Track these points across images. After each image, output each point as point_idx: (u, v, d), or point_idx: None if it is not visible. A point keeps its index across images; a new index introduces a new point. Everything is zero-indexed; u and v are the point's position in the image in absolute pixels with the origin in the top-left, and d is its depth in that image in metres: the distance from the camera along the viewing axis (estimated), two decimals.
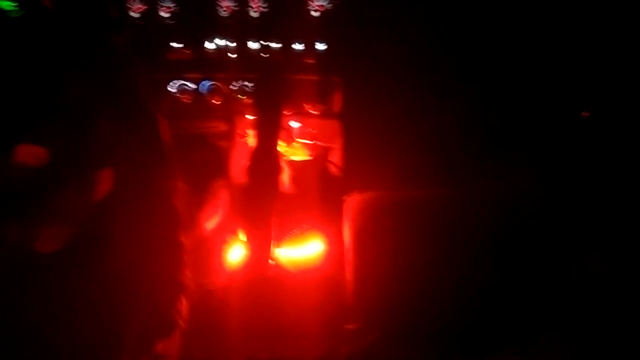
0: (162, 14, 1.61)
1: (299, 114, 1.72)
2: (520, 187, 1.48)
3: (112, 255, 1.21)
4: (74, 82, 1.17)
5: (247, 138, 1.82)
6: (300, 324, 1.68)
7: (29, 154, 1.16)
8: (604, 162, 1.42)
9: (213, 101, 1.69)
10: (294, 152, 1.81)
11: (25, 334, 1.12)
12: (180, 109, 1.74)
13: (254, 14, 1.57)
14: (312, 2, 1.52)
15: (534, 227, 1.39)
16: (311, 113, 1.67)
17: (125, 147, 1.25)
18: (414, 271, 1.36)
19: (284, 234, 1.74)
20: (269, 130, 1.56)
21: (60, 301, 1.19)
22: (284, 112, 1.65)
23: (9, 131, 1.12)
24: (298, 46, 1.58)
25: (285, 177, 1.67)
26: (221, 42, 1.62)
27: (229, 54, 1.63)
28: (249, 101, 1.67)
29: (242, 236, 1.74)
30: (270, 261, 1.67)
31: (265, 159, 1.56)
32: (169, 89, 1.71)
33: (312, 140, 1.80)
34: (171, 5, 1.60)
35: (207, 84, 1.69)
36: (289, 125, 1.79)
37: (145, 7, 1.61)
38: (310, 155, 1.80)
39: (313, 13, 1.54)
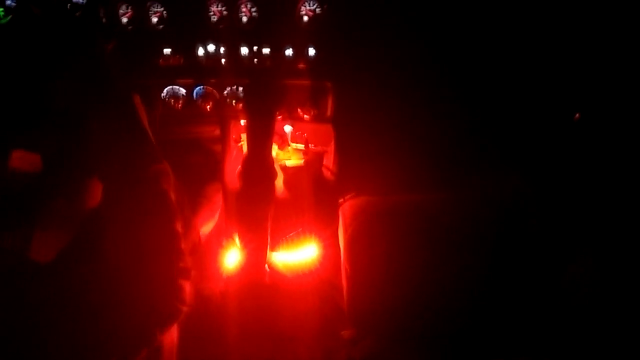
0: (153, 19, 1.60)
1: (292, 119, 1.72)
2: (513, 190, 1.49)
3: (108, 250, 1.21)
4: (62, 88, 1.16)
5: (240, 143, 1.82)
6: (297, 328, 1.68)
7: (23, 160, 1.16)
8: (597, 164, 1.42)
9: (205, 106, 1.69)
10: (287, 156, 1.81)
11: (23, 338, 1.13)
12: (172, 114, 1.75)
13: (244, 20, 1.56)
14: (303, 7, 1.51)
15: (528, 230, 1.39)
16: (304, 118, 1.66)
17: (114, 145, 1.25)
18: (408, 274, 1.36)
19: (279, 239, 1.74)
20: (262, 135, 1.55)
21: (56, 302, 1.19)
22: (277, 116, 1.64)
23: (1, 137, 1.12)
24: (289, 51, 1.57)
25: (280, 181, 1.67)
26: (212, 48, 1.61)
27: (221, 60, 1.62)
28: (241, 106, 1.66)
29: (237, 241, 1.74)
30: (265, 266, 1.68)
31: (259, 164, 1.55)
32: (161, 94, 1.71)
33: (305, 145, 1.80)
34: (161, 11, 1.59)
35: (199, 89, 1.69)
36: (283, 130, 1.79)
37: (135, 13, 1.60)
38: (304, 160, 1.80)
39: (303, 18, 1.53)
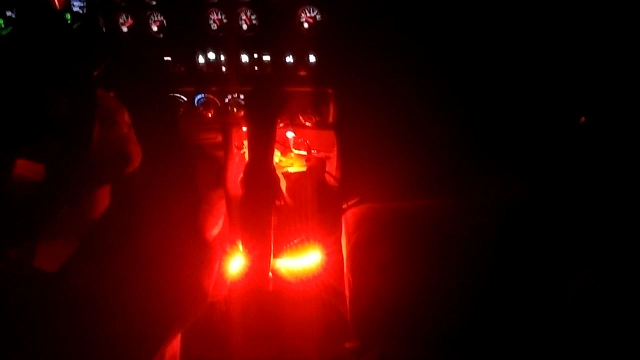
0: (153, 28, 1.59)
1: (294, 126, 1.71)
2: (518, 197, 1.48)
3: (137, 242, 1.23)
4: (63, 98, 1.17)
5: (243, 150, 1.82)
6: (300, 335, 1.69)
7: (27, 169, 1.17)
8: (604, 171, 1.40)
9: (207, 114, 1.69)
10: (290, 163, 1.81)
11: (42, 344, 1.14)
12: (175, 122, 1.75)
13: (244, 27, 1.55)
14: (303, 14, 1.50)
15: (533, 238, 1.38)
16: (306, 124, 1.66)
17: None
18: (413, 283, 1.36)
19: (283, 245, 1.74)
20: (264, 142, 1.55)
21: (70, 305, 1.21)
22: (278, 124, 1.64)
23: (5, 147, 1.13)
24: (289, 58, 1.55)
25: (283, 188, 1.67)
26: (212, 56, 1.60)
27: (221, 68, 1.62)
28: (243, 114, 1.66)
29: (241, 247, 1.74)
30: (269, 272, 1.68)
31: (261, 171, 1.55)
32: (163, 102, 1.70)
33: (308, 151, 1.80)
34: (161, 20, 1.58)
35: (200, 97, 1.68)
36: (285, 137, 1.79)
37: (135, 22, 1.59)
38: (307, 167, 1.80)
39: (304, 25, 1.51)
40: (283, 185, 1.66)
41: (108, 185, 1.56)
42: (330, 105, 1.62)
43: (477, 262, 1.37)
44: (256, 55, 1.57)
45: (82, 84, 1.18)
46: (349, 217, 1.55)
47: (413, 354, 1.33)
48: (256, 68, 1.59)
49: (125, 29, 1.61)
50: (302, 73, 1.57)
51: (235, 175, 1.72)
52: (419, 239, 1.42)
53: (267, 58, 1.57)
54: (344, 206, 1.66)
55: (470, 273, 1.35)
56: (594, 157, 1.45)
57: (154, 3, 1.57)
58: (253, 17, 1.53)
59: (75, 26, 1.48)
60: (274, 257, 1.69)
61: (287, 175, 1.75)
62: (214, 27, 1.57)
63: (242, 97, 1.66)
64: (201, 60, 1.62)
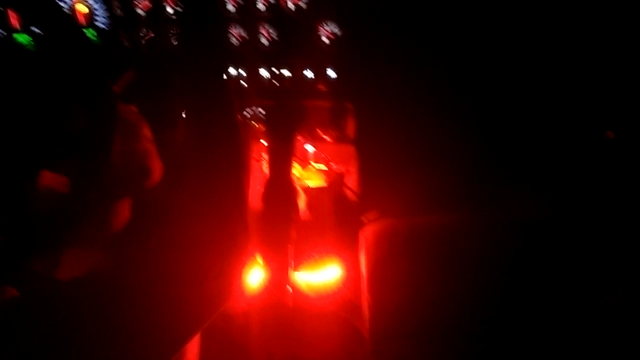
0: (173, 42, 1.61)
1: (313, 140, 1.71)
2: (539, 213, 1.44)
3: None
4: (84, 112, 1.18)
5: (262, 164, 1.82)
6: (319, 348, 1.68)
7: (54, 180, 1.18)
8: (628, 188, 1.37)
9: None
10: (309, 177, 1.80)
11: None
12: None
13: (264, 42, 1.56)
14: (322, 28, 1.50)
15: (553, 255, 1.35)
16: (325, 139, 1.65)
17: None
18: (431, 301, 1.34)
19: (302, 259, 1.73)
20: (283, 156, 1.55)
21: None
22: (298, 138, 1.64)
23: (29, 160, 1.14)
24: (309, 73, 1.56)
25: (302, 202, 1.67)
26: (233, 71, 1.61)
27: (241, 82, 1.62)
28: (263, 128, 1.67)
29: (260, 260, 1.74)
30: (288, 286, 1.67)
31: (281, 184, 1.55)
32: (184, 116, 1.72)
33: (327, 166, 1.79)
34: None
35: None
36: (304, 150, 1.78)
37: (155, 36, 1.61)
38: (326, 181, 1.79)
39: (323, 40, 1.51)
40: (302, 199, 1.66)
41: (128, 199, 1.57)
42: (349, 119, 1.62)
43: (498, 280, 1.34)
44: (276, 70, 1.58)
45: (103, 98, 1.19)
46: (368, 232, 1.54)
47: None
48: (276, 83, 1.60)
49: (145, 43, 1.63)
50: (321, 87, 1.58)
51: (255, 189, 1.72)
52: (438, 256, 1.40)
53: (286, 72, 1.58)
54: (363, 221, 1.65)
55: (490, 291, 1.33)
56: (620, 174, 1.42)
57: (174, 17, 1.59)
58: (272, 32, 1.54)
59: (98, 41, 1.51)
60: (293, 271, 1.68)
61: (306, 190, 1.75)
62: (235, 42, 1.58)
63: (262, 111, 1.66)
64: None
